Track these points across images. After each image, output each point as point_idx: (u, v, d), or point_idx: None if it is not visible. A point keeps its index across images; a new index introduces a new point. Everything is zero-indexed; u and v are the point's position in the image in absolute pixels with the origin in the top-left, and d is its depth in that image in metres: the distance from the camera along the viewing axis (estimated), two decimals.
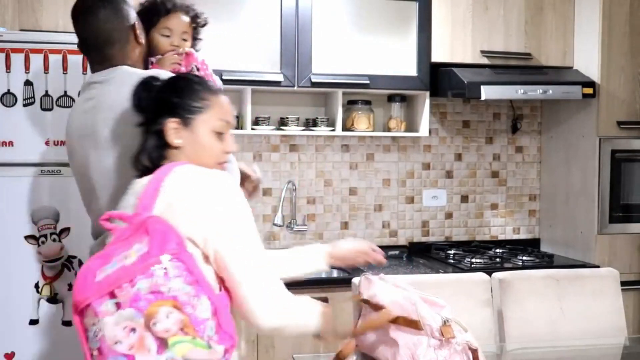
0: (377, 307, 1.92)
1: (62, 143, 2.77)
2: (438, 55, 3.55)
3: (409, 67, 3.54)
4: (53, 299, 2.77)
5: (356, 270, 3.44)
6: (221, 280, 1.61)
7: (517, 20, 3.65)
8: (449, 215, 3.97)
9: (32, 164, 2.76)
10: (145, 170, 1.73)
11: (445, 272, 3.39)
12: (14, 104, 2.73)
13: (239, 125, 3.41)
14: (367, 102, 3.64)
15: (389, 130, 3.73)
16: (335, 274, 3.52)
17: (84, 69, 2.77)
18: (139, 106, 1.77)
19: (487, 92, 3.43)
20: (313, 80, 3.37)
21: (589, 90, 3.54)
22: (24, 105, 2.74)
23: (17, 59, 2.73)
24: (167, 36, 2.24)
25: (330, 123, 3.55)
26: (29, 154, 2.75)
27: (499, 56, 3.63)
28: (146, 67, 2.18)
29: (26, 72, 2.74)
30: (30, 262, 2.75)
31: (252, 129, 3.44)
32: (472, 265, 3.45)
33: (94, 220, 2.09)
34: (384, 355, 1.91)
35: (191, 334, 1.41)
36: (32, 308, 2.76)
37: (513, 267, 3.50)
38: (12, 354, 2.74)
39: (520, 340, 2.61)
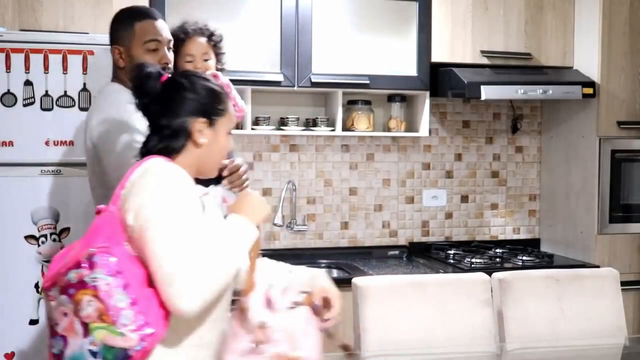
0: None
1: (62, 143, 2.77)
2: (438, 55, 3.55)
3: (409, 67, 3.54)
4: None
5: (356, 271, 3.45)
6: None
7: (517, 20, 3.65)
8: (449, 215, 3.97)
9: (32, 164, 2.75)
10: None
11: (445, 272, 3.39)
12: (14, 104, 2.73)
13: (239, 125, 3.41)
14: (367, 102, 3.64)
15: (389, 130, 3.73)
16: (335, 274, 3.52)
17: (84, 69, 2.77)
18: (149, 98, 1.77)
19: (487, 92, 3.43)
20: (313, 80, 3.37)
21: (589, 90, 3.54)
22: (24, 105, 2.74)
23: (17, 59, 2.72)
24: (190, 62, 2.40)
25: (330, 123, 3.55)
26: (29, 154, 2.75)
27: (499, 56, 3.62)
28: None
29: (26, 72, 2.74)
30: (30, 262, 2.75)
31: (252, 129, 3.44)
32: (472, 265, 3.45)
33: None
34: None
35: (107, 322, 1.55)
36: (32, 308, 2.75)
37: (513, 267, 3.50)
38: (12, 354, 2.73)
39: (520, 340, 2.61)
